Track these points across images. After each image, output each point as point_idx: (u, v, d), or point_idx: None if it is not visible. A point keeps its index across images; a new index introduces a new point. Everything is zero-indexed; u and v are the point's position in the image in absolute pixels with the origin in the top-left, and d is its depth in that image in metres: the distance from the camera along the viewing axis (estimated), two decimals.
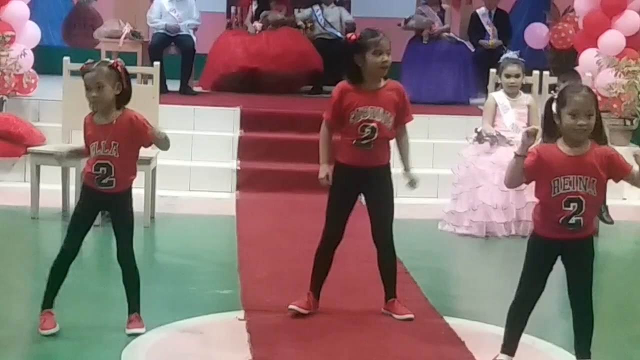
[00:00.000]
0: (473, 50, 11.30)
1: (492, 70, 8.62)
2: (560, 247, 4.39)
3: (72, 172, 7.67)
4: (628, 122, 9.58)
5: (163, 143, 4.94)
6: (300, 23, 11.87)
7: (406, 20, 11.33)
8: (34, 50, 9.97)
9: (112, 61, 4.96)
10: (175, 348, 4.88)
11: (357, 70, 5.19)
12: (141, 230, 7.54)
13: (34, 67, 9.88)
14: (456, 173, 8.06)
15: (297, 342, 4.97)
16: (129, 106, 4.92)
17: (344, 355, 4.84)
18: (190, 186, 8.91)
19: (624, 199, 8.75)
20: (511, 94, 8.21)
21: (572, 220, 4.33)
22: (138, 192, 7.41)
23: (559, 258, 4.44)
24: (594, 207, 4.42)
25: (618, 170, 4.36)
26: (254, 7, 11.75)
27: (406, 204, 8.36)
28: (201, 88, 11.42)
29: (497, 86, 8.47)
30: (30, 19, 10.08)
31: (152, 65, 8.70)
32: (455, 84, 11.01)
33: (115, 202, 4.96)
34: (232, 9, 12.19)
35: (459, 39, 11.44)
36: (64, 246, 4.96)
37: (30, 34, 10.05)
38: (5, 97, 9.36)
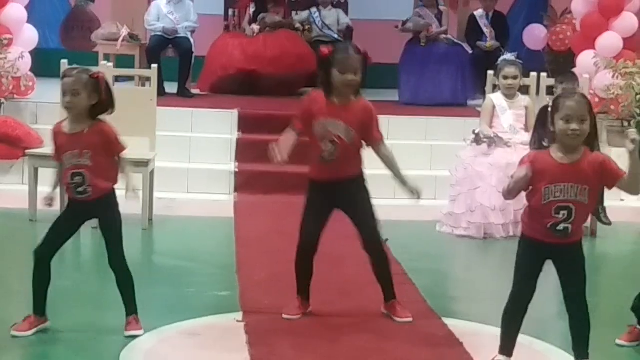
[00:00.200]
0: (470, 52, 11.31)
1: (490, 72, 8.62)
2: (549, 250, 4.41)
3: None
4: (626, 124, 9.58)
5: (127, 179, 4.94)
6: (297, 25, 11.88)
7: (404, 23, 11.34)
8: (31, 53, 9.98)
9: (94, 71, 4.97)
10: (174, 350, 4.88)
11: (328, 83, 5.22)
12: (139, 232, 7.55)
13: (31, 70, 9.89)
14: (454, 175, 8.07)
15: (296, 344, 4.98)
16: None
17: (343, 357, 4.84)
18: (189, 188, 8.92)
19: (622, 200, 8.75)
20: (509, 95, 8.22)
21: (561, 227, 4.35)
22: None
23: (551, 263, 4.46)
24: (584, 214, 4.43)
25: (611, 176, 4.37)
26: (251, 9, 11.75)
27: (404, 206, 8.37)
28: (199, 90, 11.43)
29: (495, 88, 8.47)
30: (28, 21, 10.10)
31: (149, 67, 8.70)
32: (452, 85, 11.02)
33: (97, 209, 4.94)
34: (230, 11, 12.19)
35: (456, 40, 11.46)
36: (37, 250, 4.95)
37: (28, 36, 10.06)
38: (3, 100, 9.37)
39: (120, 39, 11.28)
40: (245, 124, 9.55)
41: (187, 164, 9.10)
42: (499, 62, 8.41)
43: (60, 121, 4.98)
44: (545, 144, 4.57)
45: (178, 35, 10.92)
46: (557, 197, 4.32)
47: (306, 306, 5.42)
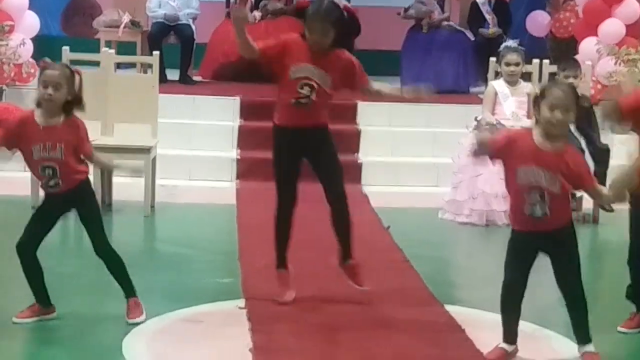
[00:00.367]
0: (473, 38, 11.28)
1: (492, 59, 8.60)
2: (536, 240, 4.47)
3: None
4: None
5: (103, 166, 4.98)
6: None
7: (406, 9, 11.32)
8: (33, 39, 9.97)
9: (74, 68, 4.97)
10: (176, 337, 4.88)
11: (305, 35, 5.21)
12: (141, 219, 7.56)
13: (33, 57, 9.87)
14: (456, 162, 8.06)
15: (298, 330, 4.98)
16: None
17: (344, 343, 4.85)
18: (191, 175, 8.91)
19: None
20: (511, 82, 8.20)
21: (538, 211, 4.38)
22: (138, 181, 7.48)
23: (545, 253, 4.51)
24: (560, 203, 4.43)
25: (580, 179, 4.41)
26: None
27: (406, 193, 8.39)
28: (201, 77, 11.42)
29: (497, 75, 8.46)
30: (30, 8, 10.08)
31: (151, 54, 8.70)
32: (455, 72, 11.00)
33: (72, 200, 4.92)
34: None
35: (458, 27, 11.43)
36: (18, 244, 4.97)
37: (30, 23, 10.04)
38: (4, 87, 9.37)
39: (122, 25, 11.26)
40: (247, 111, 9.53)
41: (189, 151, 9.09)
42: (501, 49, 8.39)
43: (31, 110, 4.93)
44: None
45: (180, 22, 10.90)
46: (529, 180, 4.37)
47: (289, 276, 5.41)
